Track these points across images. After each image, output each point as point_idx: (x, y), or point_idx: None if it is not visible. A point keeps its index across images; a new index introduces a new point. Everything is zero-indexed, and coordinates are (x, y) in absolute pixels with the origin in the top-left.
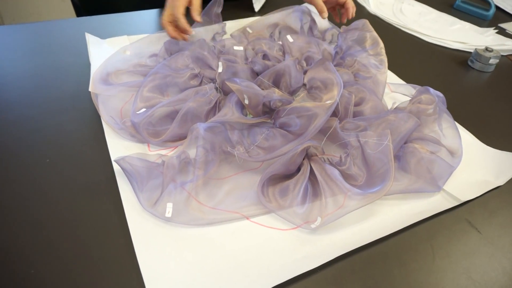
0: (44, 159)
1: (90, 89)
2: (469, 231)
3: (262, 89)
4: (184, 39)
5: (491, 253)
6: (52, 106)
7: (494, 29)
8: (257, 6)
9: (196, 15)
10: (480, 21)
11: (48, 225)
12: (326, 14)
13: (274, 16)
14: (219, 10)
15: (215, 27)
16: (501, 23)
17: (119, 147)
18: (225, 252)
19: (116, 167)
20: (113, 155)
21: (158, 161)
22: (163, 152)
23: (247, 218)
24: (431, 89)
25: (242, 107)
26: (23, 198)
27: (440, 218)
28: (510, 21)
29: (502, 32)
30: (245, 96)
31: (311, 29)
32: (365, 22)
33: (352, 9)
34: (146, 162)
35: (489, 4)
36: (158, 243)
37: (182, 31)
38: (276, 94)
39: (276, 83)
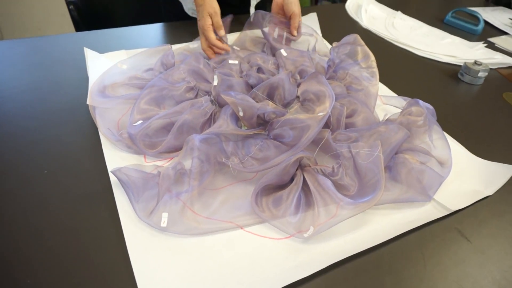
0: (42, 170)
1: (88, 102)
2: (459, 240)
3: (257, 101)
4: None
5: (481, 262)
6: (50, 118)
7: (483, 43)
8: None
9: (219, 30)
10: (469, 36)
11: (46, 234)
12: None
13: (254, 32)
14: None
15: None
16: (490, 37)
17: (115, 158)
18: (219, 261)
19: (112, 177)
20: (110, 166)
21: (154, 172)
22: (159, 163)
23: (241, 228)
24: (421, 102)
25: (236, 119)
26: (22, 207)
27: (431, 227)
28: (498, 35)
29: (491, 46)
30: (240, 109)
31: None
32: (356, 36)
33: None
34: (142, 173)
35: (478, 19)
36: (153, 252)
37: (221, 49)
38: (270, 106)
39: (270, 96)
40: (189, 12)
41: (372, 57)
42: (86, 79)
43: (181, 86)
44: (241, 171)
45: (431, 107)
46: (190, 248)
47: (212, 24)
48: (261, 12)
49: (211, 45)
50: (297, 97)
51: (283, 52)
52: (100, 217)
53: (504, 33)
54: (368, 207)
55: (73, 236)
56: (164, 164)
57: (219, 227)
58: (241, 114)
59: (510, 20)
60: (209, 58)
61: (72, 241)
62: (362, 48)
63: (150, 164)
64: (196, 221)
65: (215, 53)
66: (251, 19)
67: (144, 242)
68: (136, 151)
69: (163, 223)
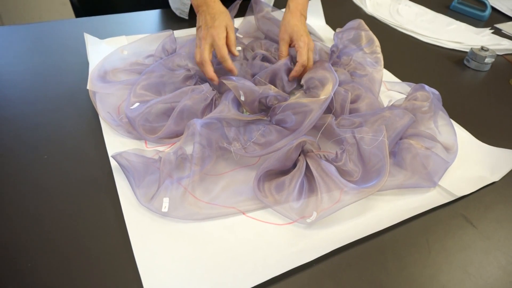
0: (42, 155)
1: (88, 87)
2: (465, 226)
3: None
4: (216, 83)
5: (486, 248)
6: (50, 104)
7: (490, 29)
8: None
9: (234, 49)
10: (476, 22)
11: (46, 220)
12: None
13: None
14: (234, 14)
15: None
16: (497, 23)
17: (116, 143)
18: (221, 246)
19: (113, 163)
20: (110, 151)
21: (155, 157)
22: (160, 148)
23: (243, 213)
24: (427, 86)
25: (238, 104)
26: (22, 193)
27: (436, 213)
28: (506, 21)
29: (498, 32)
30: (241, 93)
31: None
32: (360, 21)
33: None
34: (143, 158)
35: (485, 5)
36: (154, 237)
37: (228, 70)
38: (272, 91)
39: (272, 83)
40: (177, 12)
41: (377, 42)
42: (86, 64)
43: (180, 73)
44: (243, 156)
45: (436, 92)
46: (191, 233)
47: (229, 39)
48: (259, 2)
49: (219, 59)
50: (301, 85)
51: None
52: (100, 202)
53: (511, 19)
54: (372, 193)
55: (74, 221)
56: (165, 149)
57: (221, 213)
58: (242, 98)
59: None
60: (207, 76)
61: (73, 226)
62: (366, 33)
63: (151, 149)
64: (197, 207)
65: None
66: (253, 7)
67: (145, 227)
68: (136, 136)
69: (164, 208)
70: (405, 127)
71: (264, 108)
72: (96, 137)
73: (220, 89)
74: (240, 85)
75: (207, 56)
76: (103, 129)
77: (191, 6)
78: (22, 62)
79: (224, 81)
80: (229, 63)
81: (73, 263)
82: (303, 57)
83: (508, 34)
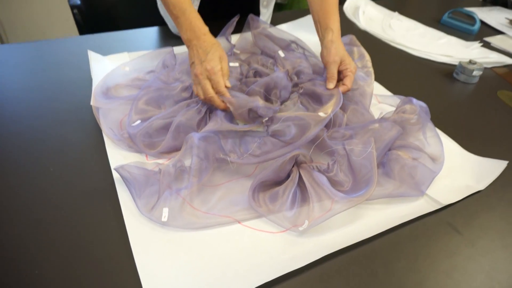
0: (48, 168)
1: (91, 103)
2: (451, 233)
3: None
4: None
5: (471, 254)
6: (55, 118)
7: (479, 42)
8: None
9: (226, 79)
10: (466, 36)
11: (52, 229)
12: (332, 85)
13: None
14: (231, 30)
15: (225, 46)
16: (486, 37)
17: (118, 156)
18: (217, 254)
19: (115, 175)
20: (113, 164)
21: (155, 169)
22: (160, 161)
23: (239, 222)
24: (414, 100)
25: (231, 116)
26: (29, 204)
27: (423, 221)
28: (495, 35)
29: (487, 45)
30: (228, 105)
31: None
32: (352, 37)
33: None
34: (144, 170)
35: (474, 19)
36: (154, 246)
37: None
38: (260, 102)
39: (268, 93)
40: (174, 30)
41: (367, 57)
42: (89, 80)
43: (177, 86)
44: (239, 164)
45: (424, 105)
46: (189, 242)
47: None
48: (256, 19)
49: (217, 93)
50: (296, 92)
51: (281, 53)
52: (103, 213)
53: (500, 32)
54: (361, 201)
55: (78, 231)
56: (165, 162)
57: (217, 222)
58: (232, 108)
59: (507, 20)
60: (219, 108)
61: (77, 235)
62: (358, 49)
63: (152, 162)
64: (195, 216)
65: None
66: (249, 24)
67: (145, 236)
68: (137, 150)
69: (164, 218)
70: (393, 139)
71: (257, 117)
72: (99, 150)
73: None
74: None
75: (212, 91)
76: (105, 143)
77: None
78: (28, 79)
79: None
80: (228, 99)
81: (77, 269)
82: (350, 83)
83: (497, 47)
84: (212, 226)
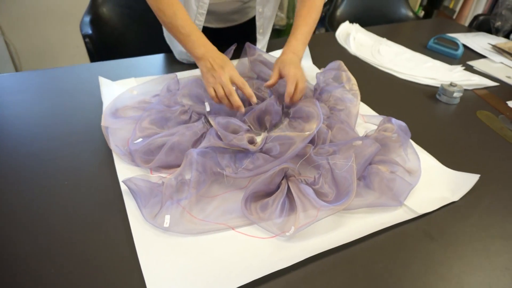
0: (63, 181)
1: (102, 123)
2: (426, 239)
3: (248, 125)
4: (243, 110)
5: (444, 258)
6: (69, 138)
7: (462, 66)
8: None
9: (252, 97)
10: (451, 60)
11: (66, 234)
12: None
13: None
14: (230, 56)
15: None
16: (470, 60)
17: (125, 171)
18: (213, 256)
19: (123, 187)
20: (121, 177)
21: (159, 182)
22: (163, 174)
23: (233, 229)
24: (393, 119)
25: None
26: (46, 213)
27: (401, 228)
28: (478, 59)
29: (470, 69)
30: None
31: None
32: (340, 63)
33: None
34: (148, 182)
35: (457, 44)
36: (157, 249)
37: (236, 108)
38: (244, 141)
39: (261, 120)
40: (179, 57)
41: (353, 80)
42: (100, 104)
43: (177, 109)
44: (234, 178)
45: (403, 124)
46: (188, 245)
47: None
48: (252, 46)
49: (236, 108)
50: (287, 114)
51: None
52: (112, 220)
53: (483, 57)
54: (340, 209)
55: (90, 235)
56: (168, 175)
57: (213, 228)
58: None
59: (489, 45)
60: (229, 108)
61: (89, 240)
62: (346, 73)
63: (156, 175)
64: (193, 223)
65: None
66: (246, 51)
67: (149, 240)
68: (135, 164)
69: (166, 224)
70: (373, 154)
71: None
72: (108, 165)
73: (241, 117)
74: (218, 127)
75: (231, 87)
76: (114, 159)
77: None
78: (43, 103)
79: (209, 119)
80: (235, 98)
81: (89, 268)
82: (289, 88)
83: (479, 70)
84: (209, 232)
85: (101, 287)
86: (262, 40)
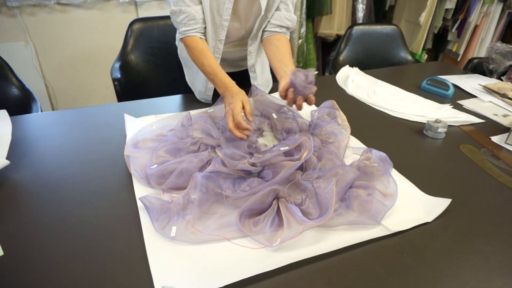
0: (90, 199)
1: (125, 153)
2: (399, 254)
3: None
4: (246, 136)
5: (416, 270)
6: (97, 164)
7: (450, 105)
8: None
9: (249, 116)
10: (443, 99)
11: (91, 242)
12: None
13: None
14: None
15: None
16: (460, 100)
17: (142, 191)
18: (211, 261)
19: (139, 204)
20: (138, 196)
21: (169, 200)
22: (173, 194)
23: (228, 240)
24: (374, 150)
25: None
26: (76, 224)
27: (377, 244)
28: (468, 98)
29: (460, 107)
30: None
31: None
32: (333, 102)
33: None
34: (160, 200)
35: (448, 85)
36: (164, 253)
37: (244, 129)
38: (247, 164)
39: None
40: (198, 97)
41: (343, 116)
42: (124, 137)
43: (188, 141)
44: (233, 197)
45: (384, 154)
46: (190, 252)
47: (245, 109)
48: (257, 88)
49: (237, 124)
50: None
51: (274, 115)
52: (129, 230)
53: (474, 96)
54: (320, 224)
55: (110, 244)
56: (176, 195)
57: (212, 239)
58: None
59: (479, 86)
60: (237, 137)
61: (110, 245)
62: (338, 112)
63: (167, 195)
64: (195, 234)
65: (239, 132)
66: (251, 92)
67: (158, 246)
68: (151, 186)
69: (172, 234)
70: (352, 179)
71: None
72: (128, 186)
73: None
74: (225, 157)
75: (231, 123)
76: (133, 181)
77: (213, 91)
78: (77, 135)
79: (217, 151)
80: (244, 124)
81: (107, 271)
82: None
83: (467, 108)
84: (208, 242)
85: (118, 282)
86: (256, 78)
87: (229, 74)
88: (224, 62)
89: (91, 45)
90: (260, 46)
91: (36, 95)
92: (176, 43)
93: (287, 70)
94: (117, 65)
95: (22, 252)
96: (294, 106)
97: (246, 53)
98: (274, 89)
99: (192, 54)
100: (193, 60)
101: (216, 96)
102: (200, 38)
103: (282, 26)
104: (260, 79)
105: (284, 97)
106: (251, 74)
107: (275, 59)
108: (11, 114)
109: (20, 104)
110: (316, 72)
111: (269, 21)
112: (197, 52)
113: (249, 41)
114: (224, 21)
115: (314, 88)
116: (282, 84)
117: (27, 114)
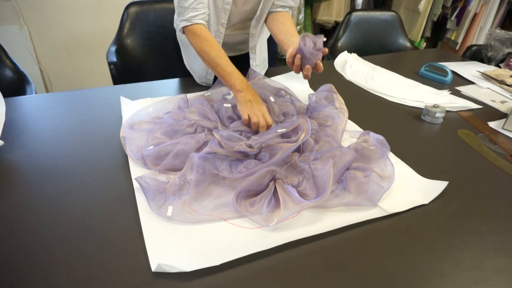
0: (87, 179)
1: (120, 134)
2: (395, 235)
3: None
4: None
5: (412, 251)
6: (93, 146)
7: (448, 90)
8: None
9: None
10: (441, 85)
11: (87, 222)
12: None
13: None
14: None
15: (223, 89)
16: (458, 86)
17: (137, 172)
18: (207, 241)
19: (135, 184)
20: (134, 176)
21: (165, 180)
22: (170, 175)
23: (225, 220)
24: (371, 133)
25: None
26: (72, 204)
27: (374, 225)
28: (466, 84)
29: (458, 93)
30: (222, 143)
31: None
32: (331, 86)
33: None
34: (157, 181)
35: (446, 71)
36: (160, 233)
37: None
38: (243, 146)
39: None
40: (199, 81)
41: (341, 100)
42: (120, 119)
43: (184, 123)
44: (229, 178)
45: (381, 137)
46: (187, 232)
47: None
48: (254, 71)
49: (268, 126)
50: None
51: (271, 98)
52: (125, 210)
53: (472, 83)
54: (317, 204)
55: (107, 223)
56: (173, 176)
57: (209, 219)
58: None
59: (478, 72)
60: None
61: (107, 225)
62: (336, 95)
63: (163, 176)
64: (191, 214)
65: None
66: (249, 75)
67: (154, 226)
68: (147, 167)
69: (169, 213)
70: (349, 161)
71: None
72: (124, 167)
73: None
74: (222, 139)
75: (270, 119)
76: (129, 162)
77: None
78: (72, 118)
79: (214, 134)
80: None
81: (104, 249)
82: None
83: (466, 95)
84: (204, 222)
85: (114, 261)
86: (255, 59)
87: (229, 58)
88: (223, 46)
89: (86, 29)
90: (262, 27)
91: (31, 80)
92: (175, 25)
93: (294, 40)
94: (113, 49)
95: (15, 232)
96: (300, 73)
97: (246, 37)
98: (269, 72)
99: (202, 44)
100: (199, 51)
101: (216, 79)
102: (205, 27)
103: (284, 6)
104: (258, 59)
105: (291, 64)
106: (251, 55)
107: (280, 32)
108: (4, 96)
109: (14, 86)
110: (325, 39)
111: (273, 2)
112: (207, 44)
113: (253, 22)
114: (226, 4)
115: (321, 55)
116: (290, 50)
117: (21, 96)
